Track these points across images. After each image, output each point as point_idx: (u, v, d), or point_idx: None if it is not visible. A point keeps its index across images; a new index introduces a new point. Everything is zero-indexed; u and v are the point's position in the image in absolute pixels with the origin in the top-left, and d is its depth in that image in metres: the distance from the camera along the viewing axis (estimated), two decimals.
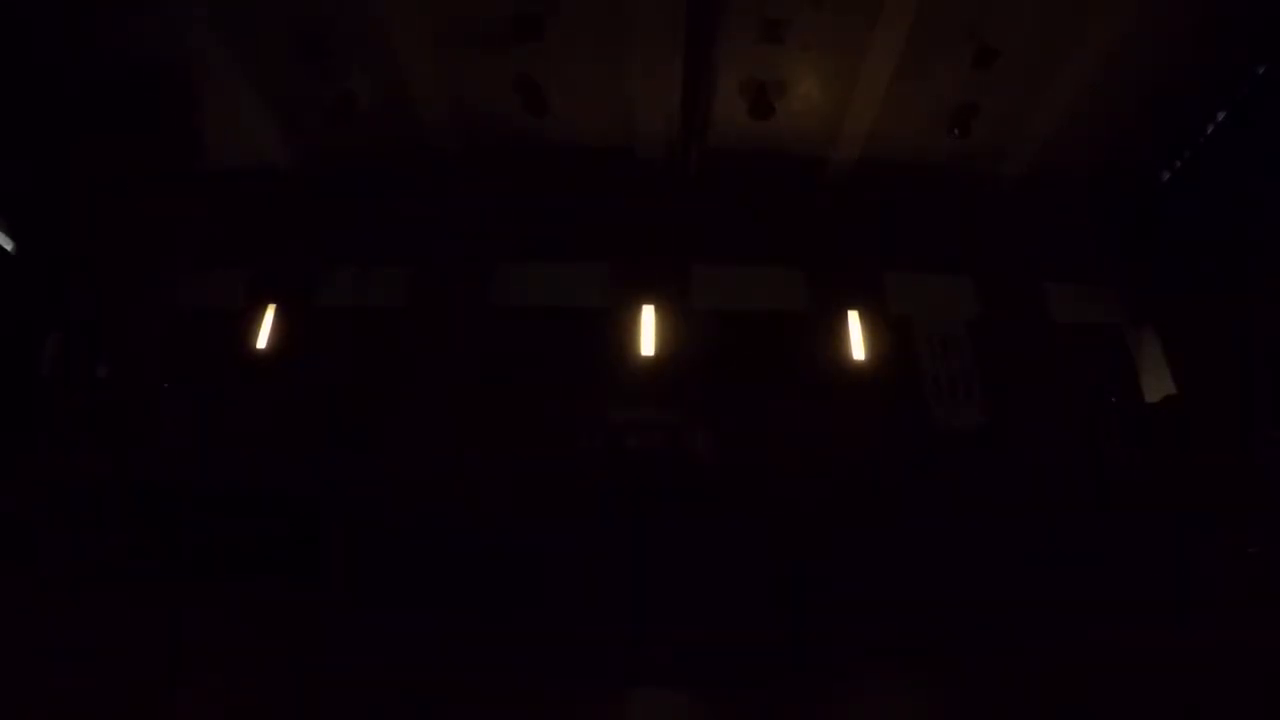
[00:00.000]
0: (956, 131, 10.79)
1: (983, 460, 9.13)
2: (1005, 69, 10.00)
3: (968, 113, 10.62)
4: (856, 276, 11.19)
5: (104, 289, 11.12)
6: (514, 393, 10.52)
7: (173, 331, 11.55)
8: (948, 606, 4.87)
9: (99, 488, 6.50)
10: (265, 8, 9.48)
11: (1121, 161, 11.30)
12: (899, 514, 8.88)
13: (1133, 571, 5.35)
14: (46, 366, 9.19)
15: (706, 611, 4.77)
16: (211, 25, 9.68)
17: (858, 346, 10.32)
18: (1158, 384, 10.88)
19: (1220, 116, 10.52)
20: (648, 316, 10.41)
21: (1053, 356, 10.83)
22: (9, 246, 9.80)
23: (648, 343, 10.26)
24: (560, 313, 11.15)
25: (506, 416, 9.68)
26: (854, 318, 10.51)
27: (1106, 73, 9.86)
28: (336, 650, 3.59)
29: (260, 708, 2.48)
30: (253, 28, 9.68)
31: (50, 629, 3.15)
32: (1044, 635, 3.99)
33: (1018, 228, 11.95)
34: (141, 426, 7.85)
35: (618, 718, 2.76)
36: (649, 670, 3.52)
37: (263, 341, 10.48)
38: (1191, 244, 10.74)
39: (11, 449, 7.60)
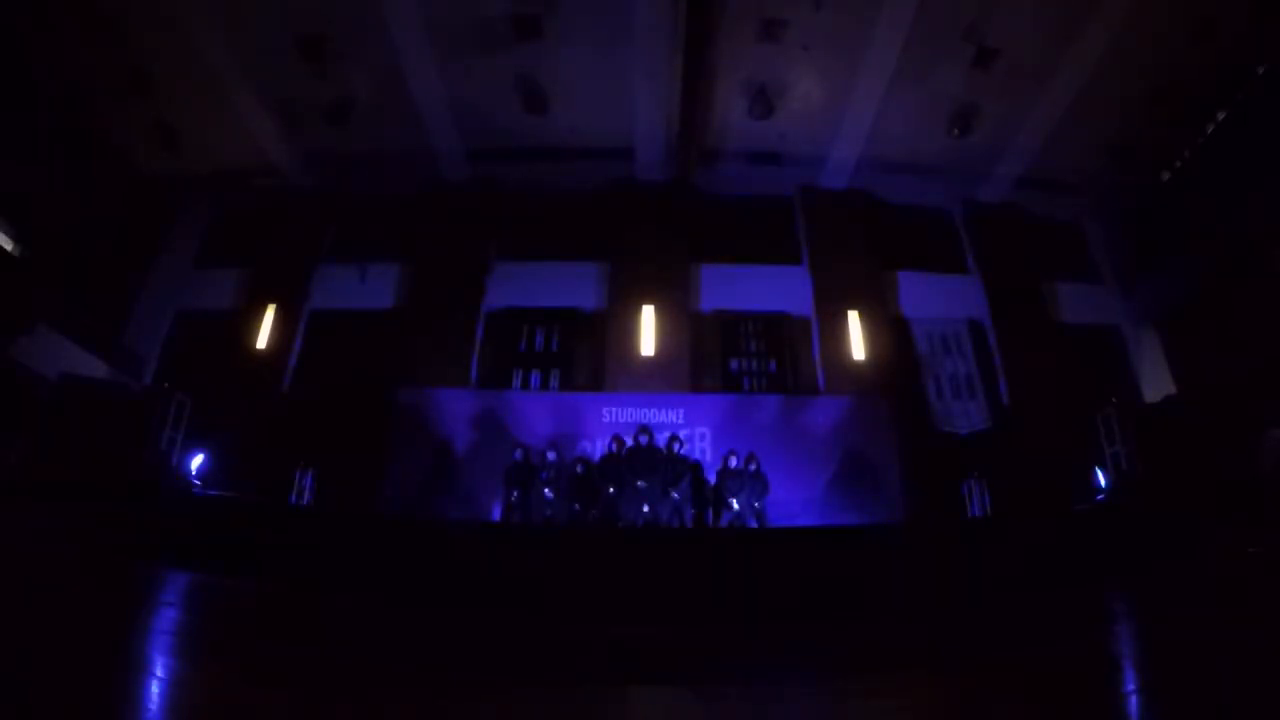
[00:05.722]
0: (956, 131, 10.82)
1: (982, 460, 9.12)
2: (1005, 69, 10.01)
3: (968, 113, 10.66)
4: (856, 276, 11.19)
5: (103, 288, 11.14)
6: (512, 391, 10.54)
7: (173, 331, 11.59)
8: (946, 608, 4.87)
9: (98, 487, 6.50)
10: (266, 8, 9.49)
11: (1122, 161, 11.31)
12: (899, 513, 8.90)
13: (1132, 571, 5.35)
14: (47, 369, 9.17)
15: (705, 612, 4.76)
16: (212, 25, 9.69)
17: (858, 346, 10.30)
18: (1158, 384, 10.90)
19: (1220, 116, 10.52)
20: (648, 316, 10.39)
21: (1053, 356, 10.84)
22: (9, 246, 9.78)
23: (648, 343, 10.24)
24: (560, 313, 11.16)
25: (505, 416, 9.67)
26: (854, 318, 10.49)
27: (1106, 73, 9.87)
28: (336, 650, 3.58)
29: (259, 708, 2.47)
30: (253, 28, 9.69)
31: (47, 629, 3.14)
32: (1043, 636, 3.98)
33: (1018, 228, 11.98)
34: (141, 426, 7.84)
35: (618, 718, 2.75)
36: (648, 670, 3.51)
37: (263, 342, 10.47)
38: (1191, 244, 10.74)
39: (11, 450, 7.61)
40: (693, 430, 9.41)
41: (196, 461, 8.22)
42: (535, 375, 10.86)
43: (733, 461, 7.96)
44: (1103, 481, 8.14)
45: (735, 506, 7.74)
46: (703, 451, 9.29)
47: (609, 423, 9.30)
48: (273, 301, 10.82)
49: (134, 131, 11.17)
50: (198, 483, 8.05)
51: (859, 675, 3.31)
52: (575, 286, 11.20)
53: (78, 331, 10.18)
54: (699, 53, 9.91)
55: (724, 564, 5.32)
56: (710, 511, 8.10)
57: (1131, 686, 2.84)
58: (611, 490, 7.73)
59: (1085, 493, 8.27)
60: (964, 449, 9.96)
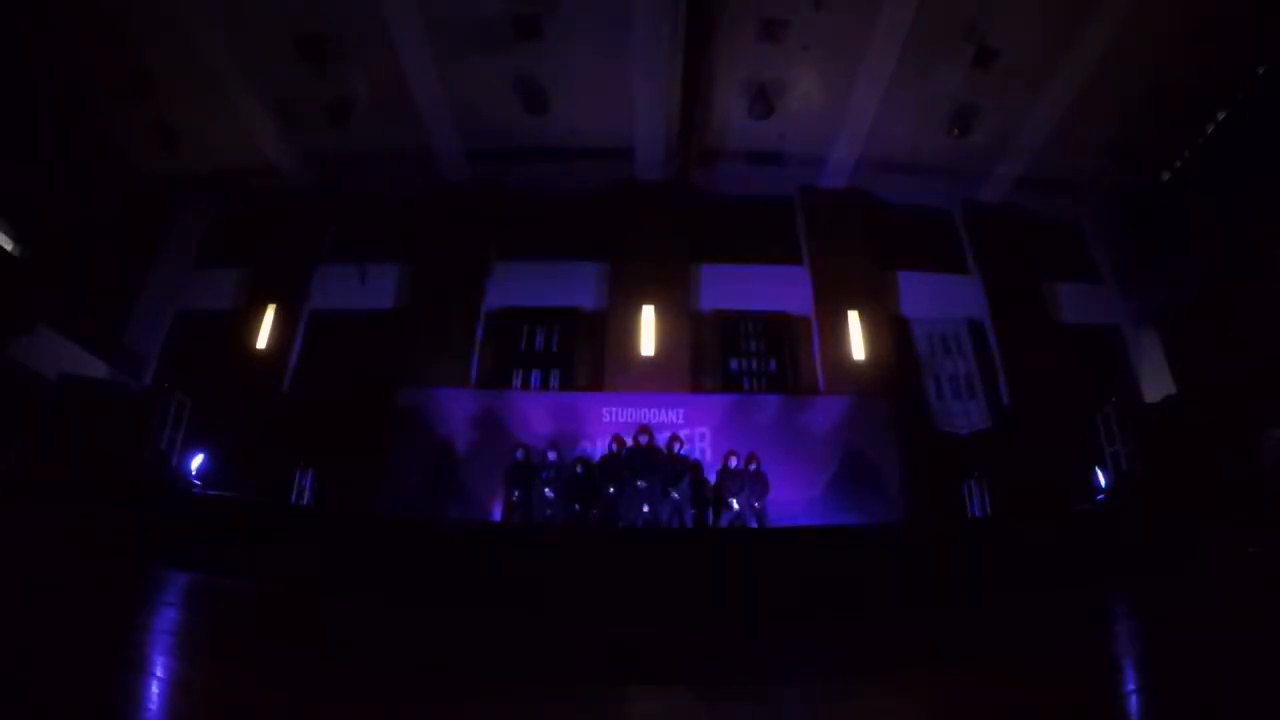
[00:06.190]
0: (956, 131, 10.82)
1: (982, 460, 9.12)
2: (1005, 69, 10.01)
3: (968, 112, 10.66)
4: (856, 276, 11.19)
5: (103, 288, 11.13)
6: (513, 391, 10.54)
7: (173, 331, 11.59)
8: (946, 607, 4.87)
9: (98, 487, 6.50)
10: (266, 8, 9.49)
11: (1122, 161, 11.31)
12: (899, 513, 8.90)
13: (1132, 571, 5.35)
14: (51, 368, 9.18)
15: (705, 612, 4.76)
16: (212, 25, 9.69)
17: (858, 346, 10.30)
18: (1158, 384, 10.90)
19: (1220, 116, 10.52)
20: (648, 316, 10.39)
21: (1053, 356, 10.84)
22: (9, 246, 9.78)
23: (648, 343, 10.24)
24: (560, 313, 11.16)
25: (505, 416, 9.67)
26: (854, 318, 10.49)
27: (1106, 73, 9.87)
28: (336, 650, 3.58)
29: (259, 708, 2.47)
30: (253, 28, 9.69)
31: (47, 629, 3.15)
32: (1043, 636, 3.98)
33: (1018, 228, 11.98)
34: (141, 426, 7.84)
35: (618, 718, 2.75)
36: (648, 670, 3.51)
37: (263, 342, 10.47)
38: (1191, 244, 10.73)
39: (11, 450, 7.61)
40: (693, 430, 9.41)
41: (196, 461, 8.21)
42: (535, 375, 10.86)
43: (733, 461, 7.95)
44: (1103, 481, 8.14)
45: (735, 506, 7.74)
46: (703, 451, 9.28)
47: (609, 423, 9.30)
48: (273, 301, 10.82)
49: (134, 131, 11.17)
50: (198, 483, 8.05)
51: (859, 675, 3.31)
52: (575, 286, 11.19)
53: (78, 331, 10.18)
54: (699, 53, 9.91)
55: (724, 564, 5.32)
56: (710, 511, 8.09)
57: (1131, 686, 2.84)
58: (612, 490, 7.73)
59: (1085, 493, 8.27)
60: (964, 449, 9.96)
